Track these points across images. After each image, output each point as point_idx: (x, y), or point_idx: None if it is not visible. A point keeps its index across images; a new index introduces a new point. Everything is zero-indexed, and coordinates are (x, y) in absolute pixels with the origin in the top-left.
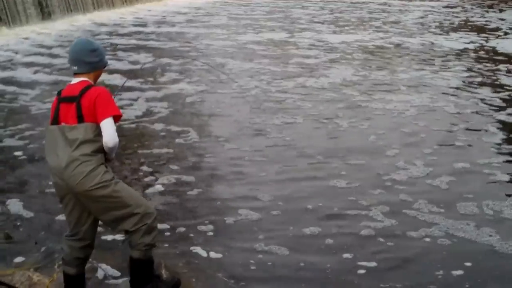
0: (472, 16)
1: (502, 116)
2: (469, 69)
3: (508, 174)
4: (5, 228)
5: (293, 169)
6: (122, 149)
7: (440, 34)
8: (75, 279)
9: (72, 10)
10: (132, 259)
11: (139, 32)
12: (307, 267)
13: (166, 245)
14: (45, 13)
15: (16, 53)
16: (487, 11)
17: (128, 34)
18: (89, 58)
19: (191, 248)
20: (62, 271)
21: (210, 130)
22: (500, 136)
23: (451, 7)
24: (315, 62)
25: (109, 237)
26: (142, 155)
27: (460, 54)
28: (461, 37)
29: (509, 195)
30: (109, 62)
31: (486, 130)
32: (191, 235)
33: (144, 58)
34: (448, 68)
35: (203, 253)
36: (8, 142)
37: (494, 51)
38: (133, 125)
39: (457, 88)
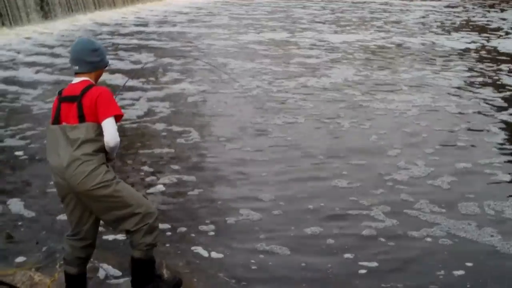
0: (473, 16)
1: (504, 116)
2: (471, 69)
3: (509, 174)
4: (6, 228)
5: (294, 169)
6: (124, 149)
7: (441, 34)
8: (77, 279)
9: (73, 10)
10: (133, 259)
11: (141, 32)
12: (308, 267)
13: (167, 245)
14: (46, 13)
15: (18, 52)
16: (489, 11)
17: (129, 34)
18: (90, 57)
19: (193, 248)
20: (63, 271)
21: (212, 130)
22: (502, 136)
23: (453, 7)
24: (317, 62)
25: (111, 237)
26: (144, 155)
27: (461, 54)
28: (462, 37)
29: (510, 196)
30: (110, 61)
31: (488, 130)
32: (193, 235)
33: (146, 58)
34: (450, 68)
35: (205, 253)
36: (9, 142)
37: (496, 51)
38: (134, 125)
39: (459, 88)
